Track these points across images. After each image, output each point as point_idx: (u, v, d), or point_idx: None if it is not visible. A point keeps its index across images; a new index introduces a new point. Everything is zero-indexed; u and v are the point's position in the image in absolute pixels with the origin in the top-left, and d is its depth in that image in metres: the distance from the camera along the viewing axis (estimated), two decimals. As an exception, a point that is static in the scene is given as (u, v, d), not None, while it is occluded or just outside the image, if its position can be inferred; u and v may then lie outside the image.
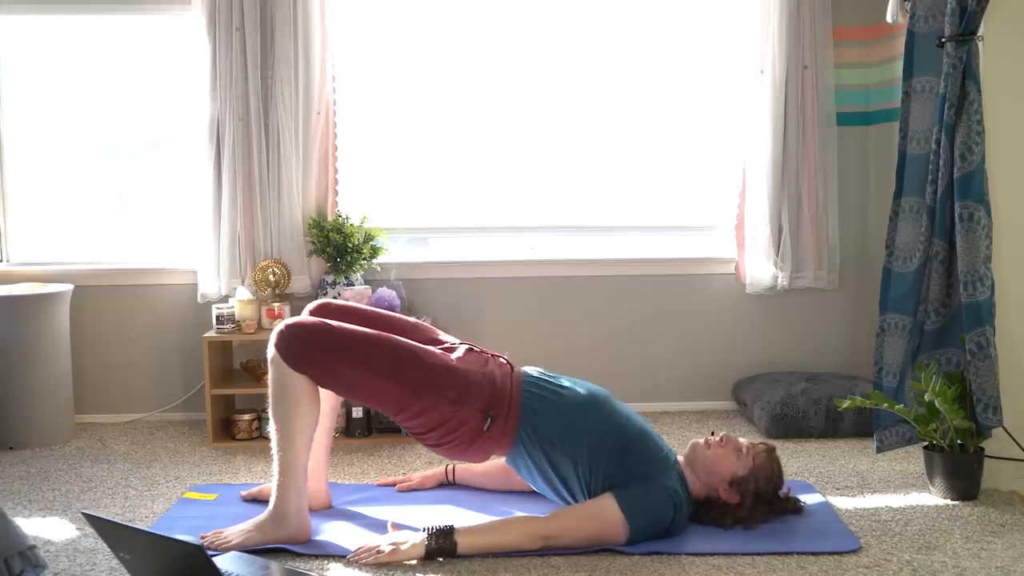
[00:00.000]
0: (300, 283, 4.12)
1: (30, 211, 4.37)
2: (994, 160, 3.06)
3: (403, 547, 2.53)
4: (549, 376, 2.83)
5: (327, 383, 2.70)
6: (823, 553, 2.58)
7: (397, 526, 2.72)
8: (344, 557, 2.57)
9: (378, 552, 2.53)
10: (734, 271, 4.31)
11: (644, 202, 4.42)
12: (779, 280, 4.18)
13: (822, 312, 4.32)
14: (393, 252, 4.26)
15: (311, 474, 2.82)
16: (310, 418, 2.69)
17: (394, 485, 3.21)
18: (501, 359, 2.84)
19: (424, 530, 2.57)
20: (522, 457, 2.78)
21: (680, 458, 2.81)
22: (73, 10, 4.27)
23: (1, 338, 3.80)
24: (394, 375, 2.66)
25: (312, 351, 2.64)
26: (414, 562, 2.51)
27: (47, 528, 2.84)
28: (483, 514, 2.89)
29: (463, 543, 2.55)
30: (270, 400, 2.69)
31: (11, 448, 3.80)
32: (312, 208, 4.14)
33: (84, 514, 2.30)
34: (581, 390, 2.80)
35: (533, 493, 3.00)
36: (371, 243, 4.08)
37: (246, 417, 3.87)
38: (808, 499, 2.97)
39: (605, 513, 2.61)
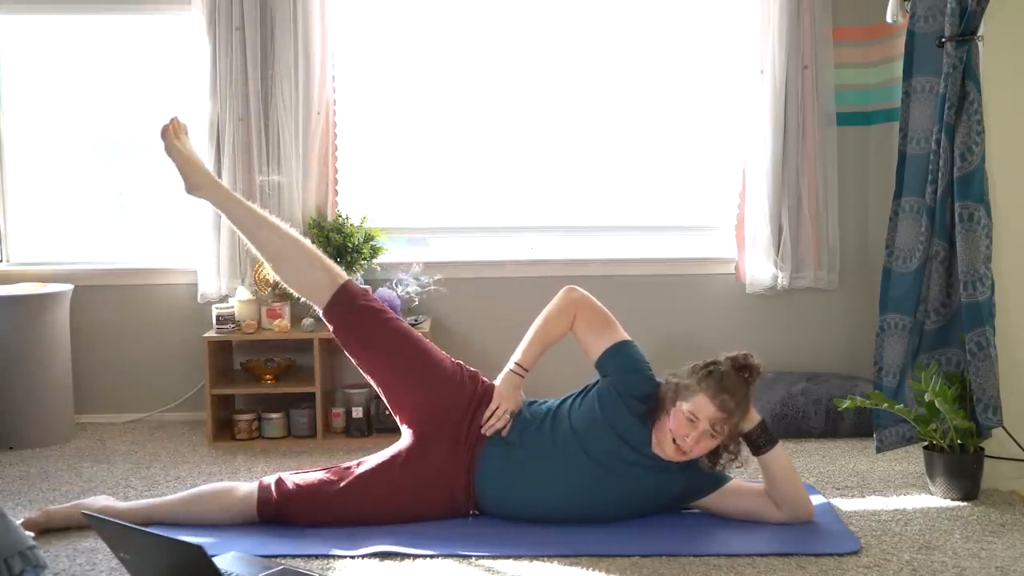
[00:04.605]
0: (300, 283, 4.11)
1: (30, 211, 4.37)
2: (994, 160, 3.06)
3: None
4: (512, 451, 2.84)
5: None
6: (823, 554, 2.57)
7: None
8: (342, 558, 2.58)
9: None
10: (734, 271, 4.31)
11: (644, 202, 4.42)
12: (779, 280, 4.18)
13: (822, 312, 4.32)
14: (393, 252, 4.26)
15: None
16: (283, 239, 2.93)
17: None
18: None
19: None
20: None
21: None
22: (73, 10, 4.27)
23: (1, 338, 3.80)
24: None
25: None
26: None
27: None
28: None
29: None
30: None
31: (11, 448, 3.80)
32: (312, 208, 4.14)
33: (84, 514, 2.31)
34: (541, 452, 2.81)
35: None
36: (371, 243, 4.08)
37: (246, 417, 3.87)
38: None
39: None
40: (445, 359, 2.95)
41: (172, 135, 2.97)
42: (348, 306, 2.90)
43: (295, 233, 2.97)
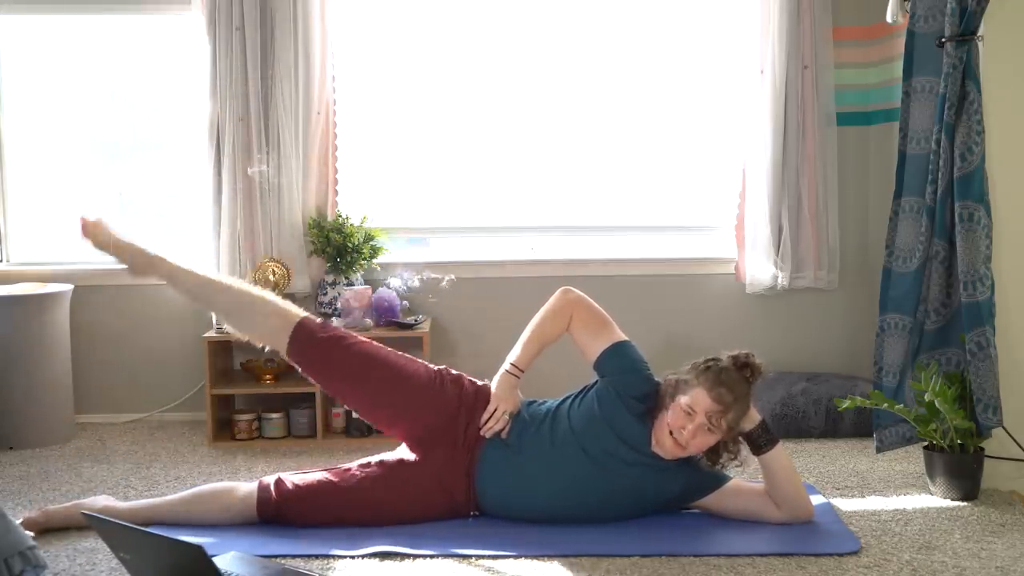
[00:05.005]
0: (300, 283, 4.12)
1: (30, 211, 4.37)
2: (994, 160, 3.06)
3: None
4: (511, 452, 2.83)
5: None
6: (823, 554, 2.57)
7: None
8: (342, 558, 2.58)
9: None
10: (734, 271, 4.31)
11: (644, 202, 4.42)
12: (779, 280, 4.18)
13: (822, 312, 4.32)
14: (393, 252, 4.26)
15: None
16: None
17: None
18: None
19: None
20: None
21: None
22: (73, 10, 4.27)
23: (1, 338, 3.80)
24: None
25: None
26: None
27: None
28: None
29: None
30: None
31: (11, 448, 3.80)
32: (312, 208, 4.14)
33: (84, 514, 2.31)
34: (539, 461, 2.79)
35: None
36: (371, 243, 4.08)
37: (246, 417, 3.88)
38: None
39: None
40: (420, 369, 2.91)
41: (93, 233, 2.92)
42: (306, 343, 2.85)
43: (245, 286, 2.95)
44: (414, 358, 2.96)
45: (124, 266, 2.94)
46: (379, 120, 4.34)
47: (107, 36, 4.32)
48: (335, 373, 2.89)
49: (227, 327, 2.95)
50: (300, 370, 2.92)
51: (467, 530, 2.75)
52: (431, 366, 2.95)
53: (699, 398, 2.66)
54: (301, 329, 2.85)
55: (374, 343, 2.94)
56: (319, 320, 2.93)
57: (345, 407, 3.91)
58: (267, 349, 2.96)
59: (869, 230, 4.30)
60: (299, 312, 2.91)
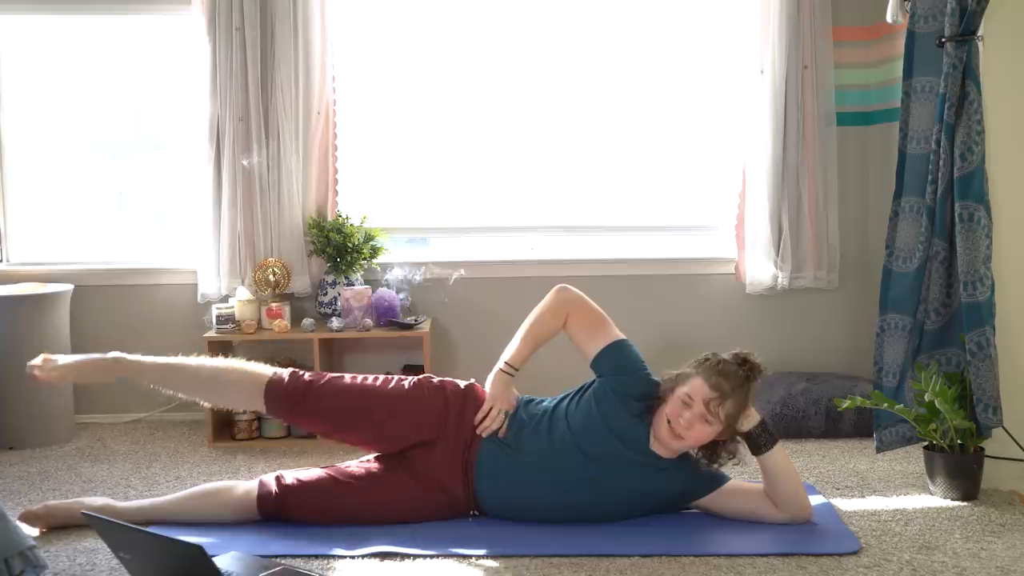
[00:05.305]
0: (300, 283, 4.12)
1: (30, 211, 4.37)
2: (994, 160, 3.06)
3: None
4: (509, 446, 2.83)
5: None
6: (823, 554, 2.57)
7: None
8: (342, 558, 2.58)
9: None
10: (734, 271, 4.31)
11: (644, 202, 4.42)
12: (779, 280, 4.18)
13: (822, 312, 4.32)
14: (393, 252, 4.26)
15: None
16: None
17: None
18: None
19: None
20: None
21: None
22: (73, 10, 4.27)
23: (1, 338, 3.80)
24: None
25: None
26: None
27: (47, 528, 2.83)
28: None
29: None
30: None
31: (11, 448, 3.80)
32: (312, 208, 4.14)
33: (84, 514, 2.31)
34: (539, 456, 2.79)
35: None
36: (371, 243, 4.08)
37: (246, 417, 3.87)
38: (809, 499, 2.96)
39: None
40: (398, 387, 2.90)
41: (49, 379, 2.87)
42: (280, 400, 2.85)
43: (208, 360, 2.94)
44: (389, 377, 2.95)
45: (91, 381, 2.92)
46: (379, 120, 4.34)
47: (107, 36, 4.33)
48: (315, 415, 2.89)
49: (206, 405, 2.93)
50: (283, 422, 2.92)
51: (467, 530, 2.75)
52: (407, 380, 2.93)
53: (697, 386, 2.68)
54: (271, 390, 2.85)
55: (345, 376, 2.93)
56: (288, 372, 2.90)
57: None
58: (247, 413, 2.95)
59: (869, 230, 4.30)
60: (266, 371, 2.89)
